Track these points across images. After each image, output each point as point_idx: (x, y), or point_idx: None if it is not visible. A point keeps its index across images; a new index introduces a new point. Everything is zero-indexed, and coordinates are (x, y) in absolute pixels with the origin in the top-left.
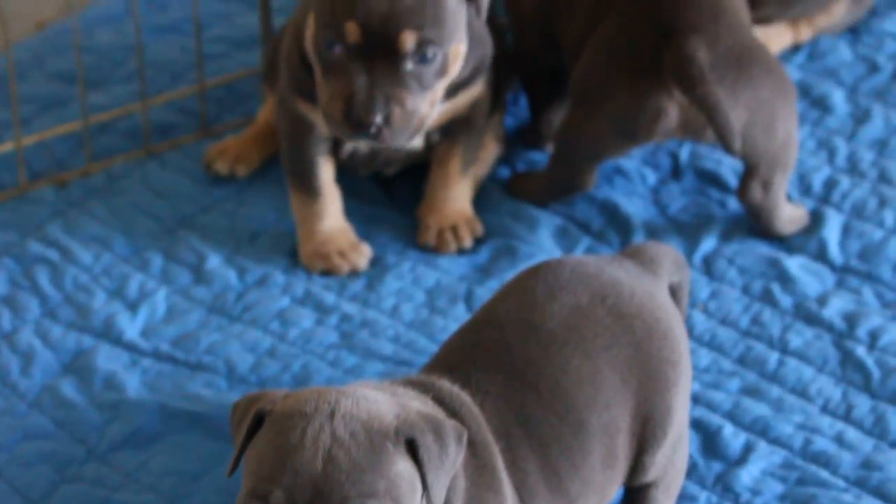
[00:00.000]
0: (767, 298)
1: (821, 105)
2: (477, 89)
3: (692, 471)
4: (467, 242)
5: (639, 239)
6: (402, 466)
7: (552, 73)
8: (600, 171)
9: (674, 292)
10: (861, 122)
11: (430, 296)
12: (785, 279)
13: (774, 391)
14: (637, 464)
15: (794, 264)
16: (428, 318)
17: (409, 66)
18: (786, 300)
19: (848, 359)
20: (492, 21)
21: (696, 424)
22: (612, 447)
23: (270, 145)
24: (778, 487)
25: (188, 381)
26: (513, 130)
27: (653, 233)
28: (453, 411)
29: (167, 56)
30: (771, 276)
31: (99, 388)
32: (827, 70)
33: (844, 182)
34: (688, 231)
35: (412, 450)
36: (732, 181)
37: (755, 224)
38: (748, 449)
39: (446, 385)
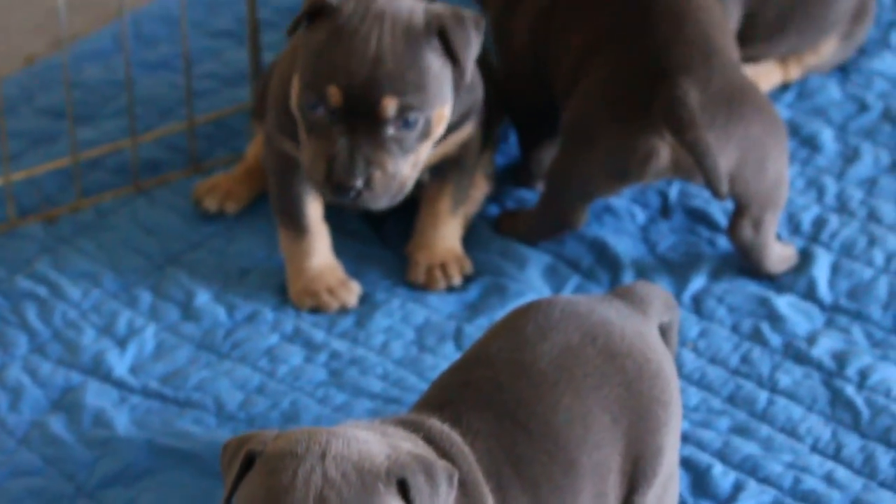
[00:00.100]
0: (757, 337)
1: (810, 144)
2: (467, 131)
3: None
4: (457, 280)
5: (628, 277)
6: None
7: (543, 112)
8: (590, 209)
9: (664, 332)
10: (850, 161)
11: (419, 333)
12: (774, 318)
13: (764, 430)
14: (628, 503)
15: (784, 303)
16: (417, 355)
17: (391, 130)
18: (775, 339)
19: (837, 398)
20: (483, 59)
21: (686, 463)
22: (603, 487)
23: (260, 182)
24: None
25: (177, 419)
26: (503, 168)
27: (642, 271)
28: (444, 451)
29: (157, 92)
30: (760, 314)
31: (88, 424)
32: (816, 109)
33: (834, 221)
34: (677, 269)
35: (403, 490)
36: (722, 220)
37: (744, 263)
38: (738, 488)
39: (437, 424)
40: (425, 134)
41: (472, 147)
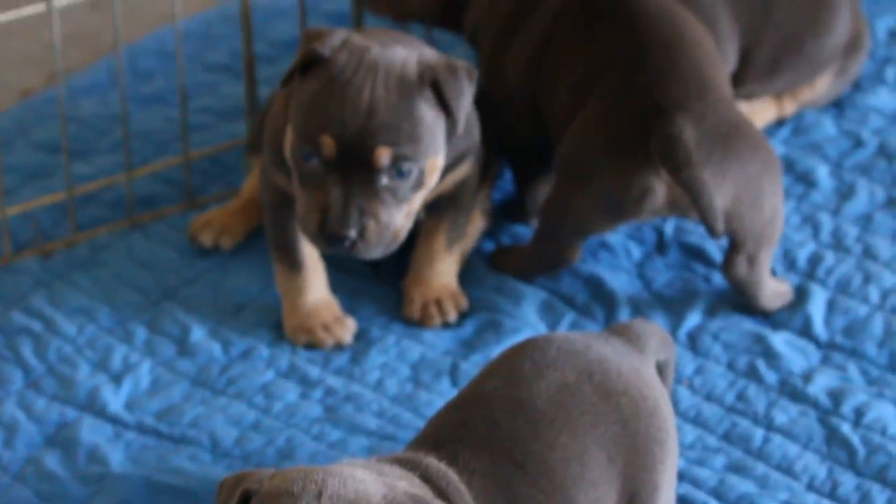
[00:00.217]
0: (752, 374)
1: (805, 180)
2: (464, 170)
3: None
4: (452, 316)
5: (624, 313)
6: None
7: (537, 148)
8: (585, 245)
9: (661, 370)
10: (846, 198)
11: (414, 370)
12: (770, 355)
13: (760, 468)
14: None
15: (779, 340)
16: (412, 392)
17: (385, 180)
18: (771, 376)
19: (833, 436)
20: (480, 95)
21: (682, 501)
22: None
23: (255, 217)
24: None
25: (172, 455)
26: (498, 204)
27: (637, 307)
28: (440, 490)
29: (152, 126)
30: (756, 351)
31: (83, 460)
32: (811, 145)
33: (829, 257)
34: (672, 306)
35: None
36: (717, 256)
37: (740, 299)
38: None
39: (433, 463)
40: (419, 184)
41: (469, 185)
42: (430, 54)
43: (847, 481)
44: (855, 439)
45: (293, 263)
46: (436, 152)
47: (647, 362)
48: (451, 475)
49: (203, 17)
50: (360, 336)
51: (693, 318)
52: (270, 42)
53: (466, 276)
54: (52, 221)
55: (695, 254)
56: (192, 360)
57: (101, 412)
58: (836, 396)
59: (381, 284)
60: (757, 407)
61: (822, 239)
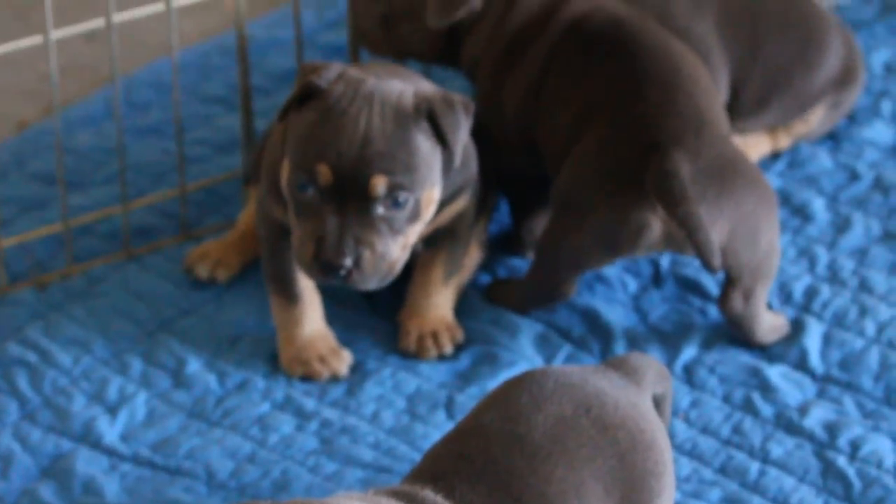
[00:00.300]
0: (748, 407)
1: (801, 213)
2: (461, 203)
3: None
4: (448, 349)
5: (620, 346)
6: None
7: (533, 181)
8: (581, 277)
9: (658, 403)
10: (842, 231)
11: (410, 402)
12: (766, 388)
13: (756, 501)
14: None
15: (775, 373)
16: (408, 424)
17: (381, 210)
18: (766, 409)
19: (829, 469)
20: (477, 128)
21: None
22: None
23: (251, 249)
24: None
25: (168, 487)
26: (494, 236)
27: (633, 340)
28: None
29: (148, 158)
30: (752, 385)
31: (78, 492)
32: (807, 178)
33: (825, 291)
34: (668, 339)
35: None
36: (713, 289)
37: (736, 333)
38: None
39: (430, 496)
40: (415, 216)
41: (466, 218)
42: (426, 87)
43: None
44: (851, 472)
45: (289, 296)
46: (432, 184)
47: (644, 396)
48: None
49: (200, 49)
50: (356, 368)
51: (689, 351)
52: (267, 74)
53: (462, 308)
54: (48, 253)
55: (691, 287)
56: (187, 392)
57: (96, 444)
58: (832, 429)
59: (377, 317)
60: (753, 440)
61: (818, 272)
